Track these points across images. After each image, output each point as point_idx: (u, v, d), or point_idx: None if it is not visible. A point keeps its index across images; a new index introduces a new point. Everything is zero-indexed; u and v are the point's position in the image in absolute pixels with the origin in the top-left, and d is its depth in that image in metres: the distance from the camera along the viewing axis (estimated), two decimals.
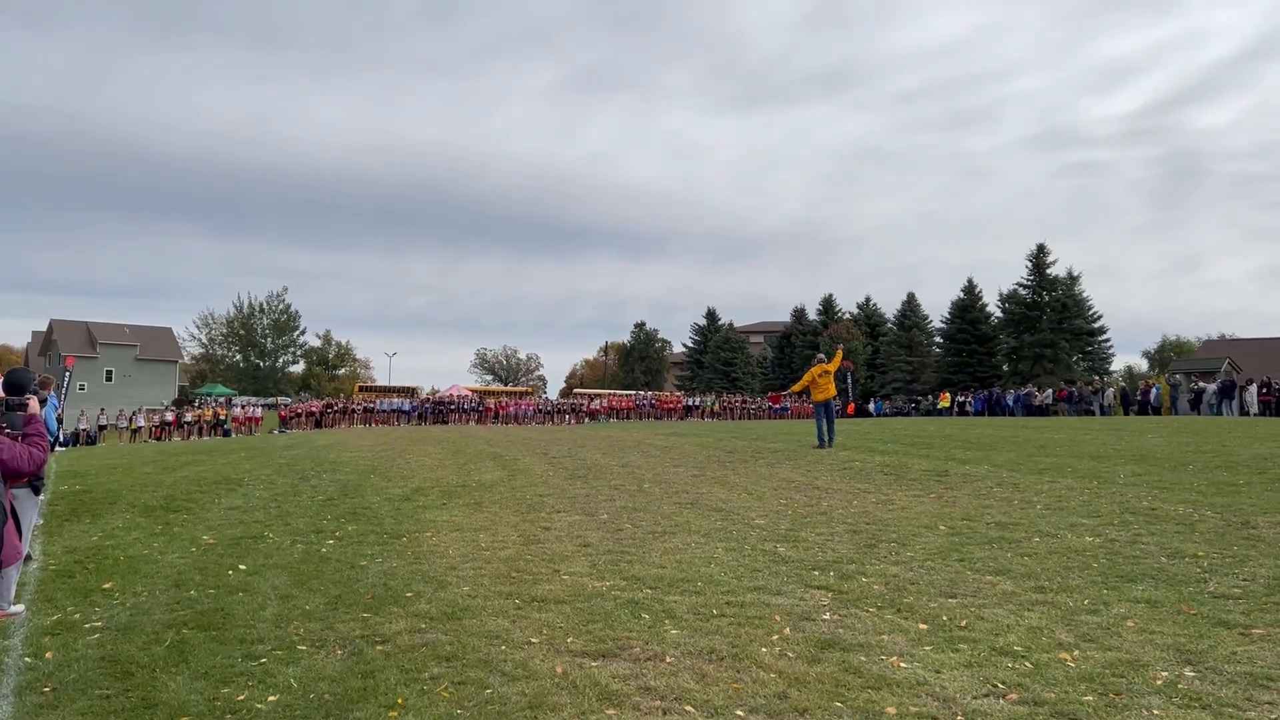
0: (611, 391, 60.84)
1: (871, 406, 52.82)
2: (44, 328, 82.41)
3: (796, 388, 18.48)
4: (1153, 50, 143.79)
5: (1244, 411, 31.79)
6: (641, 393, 57.67)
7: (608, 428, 35.39)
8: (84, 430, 40.29)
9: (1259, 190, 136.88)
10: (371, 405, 45.24)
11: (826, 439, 16.56)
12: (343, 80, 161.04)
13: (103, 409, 44.89)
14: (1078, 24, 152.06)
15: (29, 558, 4.58)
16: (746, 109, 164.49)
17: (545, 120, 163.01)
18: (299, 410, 45.93)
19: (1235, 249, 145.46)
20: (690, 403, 49.54)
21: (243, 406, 48.12)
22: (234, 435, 38.78)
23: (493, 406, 46.31)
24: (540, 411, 46.41)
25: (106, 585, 6.65)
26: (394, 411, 43.94)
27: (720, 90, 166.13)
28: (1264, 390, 32.30)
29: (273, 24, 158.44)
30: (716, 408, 48.43)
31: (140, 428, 41.41)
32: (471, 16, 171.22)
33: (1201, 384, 36.30)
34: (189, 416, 42.30)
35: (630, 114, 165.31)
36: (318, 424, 42.35)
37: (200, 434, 39.75)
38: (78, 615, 5.81)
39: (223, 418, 41.86)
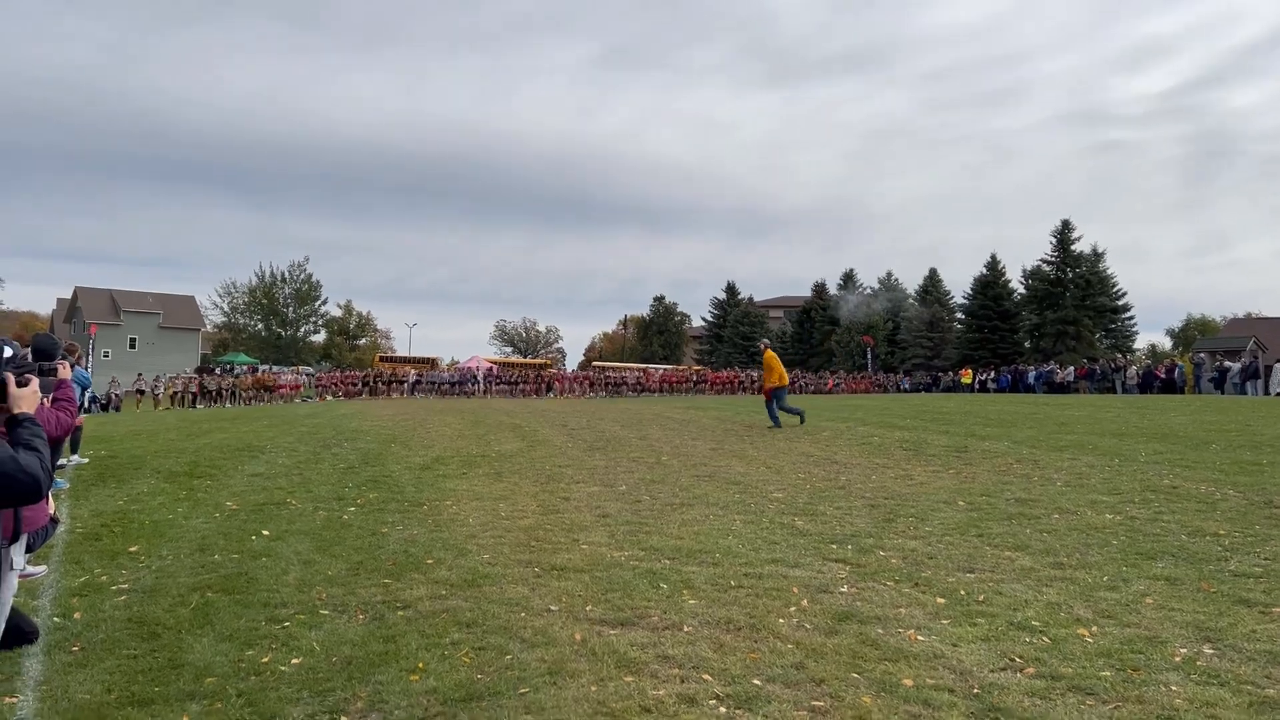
0: (652, 366, 60.37)
1: (902, 382, 52.47)
2: (69, 295, 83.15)
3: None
4: (1184, 31, 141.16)
5: (1268, 392, 31.45)
6: (693, 367, 57.37)
7: (626, 400, 35.45)
8: (114, 395, 40.46)
9: None
10: (404, 378, 45.44)
11: (778, 421, 17.04)
12: (373, 55, 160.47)
13: (140, 374, 45.09)
14: (1108, 3, 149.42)
15: (55, 520, 4.62)
16: (773, 87, 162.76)
17: (572, 97, 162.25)
18: (348, 379, 45.82)
19: (1263, 228, 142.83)
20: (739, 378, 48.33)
21: (280, 374, 48.87)
22: (272, 404, 38.92)
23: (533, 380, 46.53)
24: (577, 383, 46.65)
25: (132, 549, 6.75)
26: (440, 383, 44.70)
27: (748, 68, 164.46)
28: None
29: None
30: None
31: (161, 393, 41.70)
32: None
33: (1226, 363, 35.92)
34: (226, 383, 42.50)
35: (657, 91, 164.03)
36: (358, 392, 42.68)
37: (239, 402, 39.81)
38: (104, 577, 5.90)
39: (267, 385, 42.29)
